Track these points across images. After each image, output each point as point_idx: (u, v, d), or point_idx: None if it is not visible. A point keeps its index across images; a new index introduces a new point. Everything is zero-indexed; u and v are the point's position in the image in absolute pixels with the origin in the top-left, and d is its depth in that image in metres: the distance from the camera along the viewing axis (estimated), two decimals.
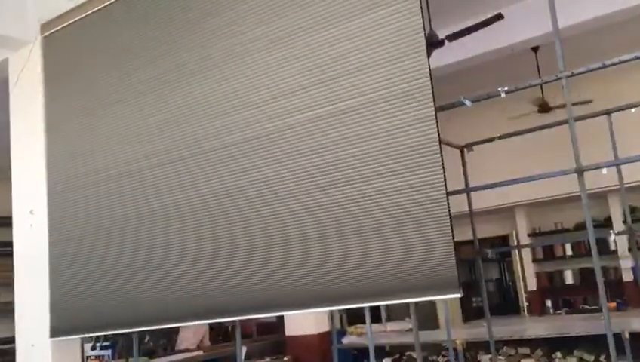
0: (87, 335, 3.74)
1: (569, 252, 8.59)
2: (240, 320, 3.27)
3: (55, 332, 3.59)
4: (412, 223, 2.40)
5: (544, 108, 6.63)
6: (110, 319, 3.41)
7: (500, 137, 3.86)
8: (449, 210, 2.32)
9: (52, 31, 3.92)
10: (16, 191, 3.97)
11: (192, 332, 5.77)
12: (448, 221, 2.32)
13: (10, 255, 3.99)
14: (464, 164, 3.90)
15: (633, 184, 6.12)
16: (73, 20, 3.81)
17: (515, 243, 8.83)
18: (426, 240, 2.36)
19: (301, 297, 2.68)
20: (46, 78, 3.88)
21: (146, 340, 5.60)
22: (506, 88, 2.81)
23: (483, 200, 5.88)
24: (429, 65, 2.45)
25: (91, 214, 3.54)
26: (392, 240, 2.44)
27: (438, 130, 2.39)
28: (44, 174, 3.78)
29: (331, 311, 5.48)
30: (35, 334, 3.66)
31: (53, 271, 3.66)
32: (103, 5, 3.66)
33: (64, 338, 3.60)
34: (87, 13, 3.76)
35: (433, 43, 3.95)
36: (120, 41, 3.56)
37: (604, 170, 2.90)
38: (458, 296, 2.32)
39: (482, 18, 4.20)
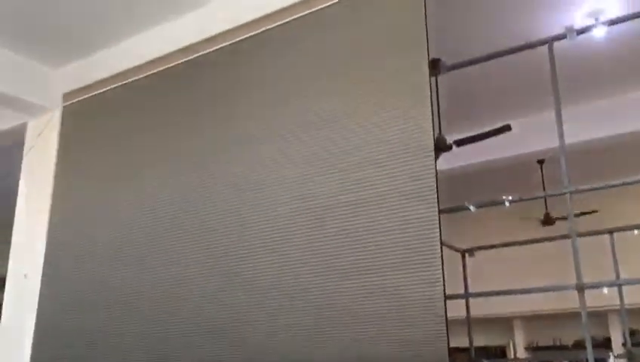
0: None
1: None
2: None
3: None
4: (406, 321, 2.36)
5: (547, 221, 6.66)
6: None
7: (501, 245, 3.87)
8: (446, 312, 2.29)
9: (73, 101, 4.04)
10: (14, 253, 3.96)
11: None
12: (444, 323, 2.28)
13: None
14: (464, 269, 3.88)
15: (634, 306, 6.04)
16: (94, 93, 3.94)
17: (512, 356, 8.61)
18: (420, 339, 2.32)
19: None
20: (60, 146, 3.97)
21: None
22: (510, 198, 2.85)
23: (480, 308, 5.79)
24: (436, 168, 2.50)
25: (86, 282, 3.50)
26: (384, 335, 2.40)
27: (440, 232, 2.40)
28: (45, 239, 3.78)
29: None
30: None
31: (37, 339, 3.58)
32: (125, 82, 3.80)
33: None
34: (108, 88, 3.89)
35: (441, 147, 4.04)
36: (137, 117, 3.67)
37: (605, 290, 2.87)
38: None
39: (491, 127, 4.31)
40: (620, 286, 3.68)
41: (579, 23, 4.01)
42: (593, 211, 5.95)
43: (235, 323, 2.85)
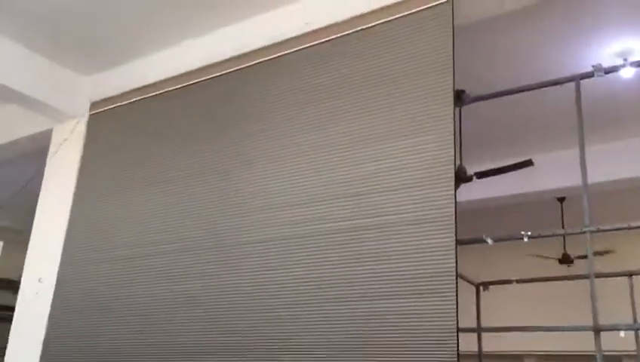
0: None
1: None
2: None
3: None
4: (417, 350, 2.34)
5: (565, 259, 6.57)
6: None
7: (517, 281, 3.82)
8: (457, 345, 2.26)
9: (100, 110, 4.10)
10: (31, 257, 4.00)
11: None
12: (455, 356, 2.25)
13: (8, 320, 3.96)
14: (478, 302, 3.83)
15: None
16: (120, 103, 4.00)
17: None
18: None
19: None
20: (84, 153, 4.02)
21: None
22: (529, 233, 2.81)
23: (492, 343, 5.71)
24: (456, 198, 2.49)
25: (100, 290, 3.53)
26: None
27: (456, 263, 2.38)
28: (61, 245, 3.81)
29: None
30: None
31: (48, 340, 3.60)
32: (152, 94, 3.85)
33: None
34: (134, 100, 3.95)
35: (462, 178, 4.02)
36: (160, 129, 3.72)
37: (622, 333, 2.81)
38: None
39: (512, 161, 4.28)
40: (637, 330, 3.61)
41: (608, 61, 3.99)
42: (609, 251, 5.86)
43: (244, 342, 2.83)
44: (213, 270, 3.09)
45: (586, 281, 2.74)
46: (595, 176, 3.10)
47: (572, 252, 6.54)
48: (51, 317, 3.66)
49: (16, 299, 3.93)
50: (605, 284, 3.58)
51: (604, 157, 4.76)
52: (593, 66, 2.95)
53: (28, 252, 4.02)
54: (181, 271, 3.21)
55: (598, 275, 3.03)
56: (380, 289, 2.51)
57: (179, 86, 3.71)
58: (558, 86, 3.09)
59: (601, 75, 2.90)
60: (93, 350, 3.39)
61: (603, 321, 2.71)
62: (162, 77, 3.82)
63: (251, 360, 2.80)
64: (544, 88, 3.13)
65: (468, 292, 3.76)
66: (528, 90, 3.13)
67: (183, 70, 3.72)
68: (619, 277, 3.93)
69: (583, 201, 2.77)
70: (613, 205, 5.21)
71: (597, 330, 2.67)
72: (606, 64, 2.95)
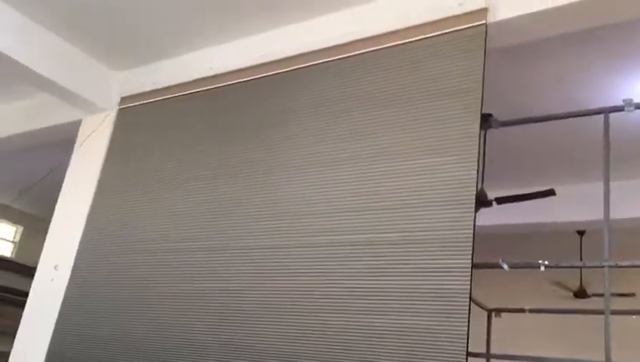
0: None
1: None
2: None
3: None
4: None
5: (580, 294, 6.48)
6: None
7: (530, 310, 3.78)
8: None
9: (129, 105, 4.17)
10: (49, 244, 4.05)
11: None
12: None
13: (20, 304, 4.01)
14: (489, 328, 3.80)
15: None
16: (151, 100, 4.06)
17: None
18: None
19: None
20: (110, 146, 4.08)
21: None
22: (546, 262, 2.79)
23: None
24: (475, 221, 2.48)
25: (114, 281, 3.57)
26: None
27: (470, 286, 2.36)
28: (80, 234, 3.86)
29: None
30: None
31: (60, 323, 3.65)
32: (182, 93, 3.90)
33: None
34: (165, 97, 4.00)
35: (482, 201, 4.00)
36: (186, 129, 3.76)
37: None
38: None
39: (534, 190, 4.25)
40: None
41: (639, 97, 3.96)
42: (630, 294, 5.76)
43: (251, 344, 2.84)
44: (227, 271, 3.11)
45: (601, 318, 2.71)
46: (618, 212, 3.07)
47: (589, 290, 6.45)
48: (64, 304, 3.70)
49: (30, 284, 3.98)
50: (620, 325, 3.52)
51: (627, 193, 4.70)
52: (624, 100, 2.93)
53: (47, 238, 4.07)
54: (196, 270, 3.24)
55: (615, 312, 2.99)
56: (392, 304, 2.51)
57: (210, 87, 3.75)
58: (587, 118, 3.07)
59: (631, 110, 2.88)
60: (103, 339, 3.42)
61: (615, 360, 2.67)
62: (192, 78, 3.87)
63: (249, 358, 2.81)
64: (573, 119, 3.12)
65: (479, 318, 3.73)
66: (556, 119, 3.12)
67: (213, 72, 3.77)
68: (635, 319, 3.87)
69: (604, 235, 2.74)
70: (634, 245, 5.13)
71: None
72: (637, 99, 2.92)
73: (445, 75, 2.83)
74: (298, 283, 2.83)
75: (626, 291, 5.83)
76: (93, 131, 4.18)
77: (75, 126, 4.35)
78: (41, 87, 4.12)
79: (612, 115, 2.91)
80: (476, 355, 3.16)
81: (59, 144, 4.56)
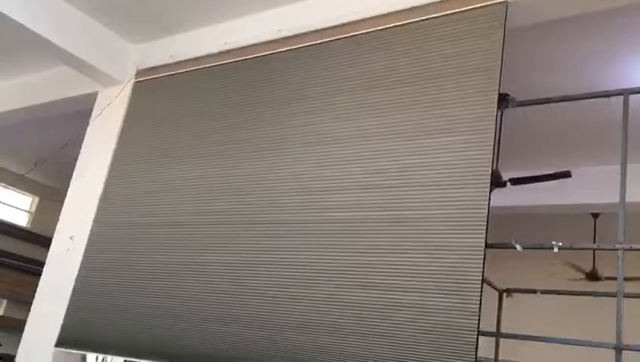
0: (91, 352, 3.69)
1: None
2: None
3: (61, 342, 3.61)
4: (437, 347, 2.34)
5: (593, 276, 6.45)
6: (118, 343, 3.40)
7: (542, 291, 3.78)
8: (477, 346, 2.26)
9: (145, 78, 4.18)
10: (65, 215, 4.10)
11: None
12: (474, 356, 2.25)
13: (37, 274, 4.08)
14: (500, 309, 3.80)
15: None
16: (167, 74, 4.06)
17: None
18: None
19: None
20: (126, 119, 4.10)
21: None
22: (560, 243, 2.78)
23: (509, 353, 5.67)
24: (489, 200, 2.47)
25: (130, 252, 3.62)
26: (411, 357, 2.38)
27: (483, 265, 2.37)
28: (96, 206, 3.90)
29: None
30: (39, 344, 3.70)
31: (76, 292, 3.71)
32: (196, 68, 3.90)
33: (66, 350, 3.61)
34: (180, 71, 4.01)
35: (496, 182, 3.98)
36: (204, 103, 3.76)
37: None
38: None
39: (549, 171, 4.22)
40: None
41: None
42: (637, 278, 5.71)
43: (262, 314, 2.87)
44: (237, 245, 3.14)
45: (613, 301, 2.70)
46: (634, 196, 3.04)
47: (602, 272, 6.41)
48: (80, 273, 3.75)
49: (46, 254, 4.04)
50: (632, 308, 3.51)
51: None
52: None
53: (63, 209, 4.12)
54: (208, 243, 3.27)
55: (627, 295, 2.98)
56: (405, 281, 2.53)
57: (224, 62, 3.75)
58: (605, 100, 3.03)
59: None
60: (118, 308, 3.48)
61: (627, 343, 2.67)
62: (208, 52, 3.87)
63: (257, 329, 2.85)
64: (591, 100, 3.08)
65: (491, 299, 3.73)
66: (574, 99, 3.09)
67: (227, 48, 3.76)
68: None
69: (619, 218, 2.73)
70: None
71: (619, 349, 2.64)
72: None
73: (464, 53, 2.80)
74: (309, 257, 2.85)
75: (635, 276, 5.80)
76: (109, 104, 4.20)
77: (92, 98, 4.37)
78: (59, 59, 4.13)
79: (632, 98, 2.88)
80: (487, 334, 3.18)
81: (76, 116, 4.58)
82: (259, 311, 2.90)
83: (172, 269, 3.35)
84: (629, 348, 2.66)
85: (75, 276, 3.76)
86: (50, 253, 4.03)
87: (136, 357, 3.29)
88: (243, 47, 3.70)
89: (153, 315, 3.30)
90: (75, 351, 3.65)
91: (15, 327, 4.75)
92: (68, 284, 3.75)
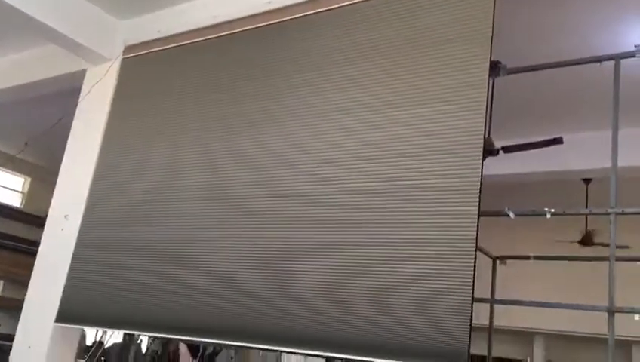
0: (91, 326, 3.79)
1: None
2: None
3: (60, 318, 3.63)
4: (433, 313, 2.37)
5: (586, 241, 6.52)
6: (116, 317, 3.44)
7: (535, 257, 3.82)
8: (472, 312, 2.29)
9: (134, 54, 4.13)
10: (58, 194, 4.08)
11: None
12: (469, 321, 2.28)
13: (32, 254, 4.08)
14: (494, 275, 3.85)
15: None
16: (155, 49, 4.02)
17: None
18: (444, 328, 2.33)
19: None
20: (115, 96, 4.06)
21: None
22: (552, 210, 2.81)
23: (503, 318, 5.74)
24: (482, 168, 2.48)
25: (124, 230, 3.62)
26: (408, 321, 2.43)
27: (477, 232, 2.39)
28: (89, 184, 3.89)
29: None
30: (39, 320, 3.72)
31: (73, 269, 3.72)
32: (185, 42, 3.86)
33: (66, 325, 3.64)
34: (169, 46, 3.96)
35: (489, 150, 3.99)
36: (192, 78, 3.73)
37: (637, 316, 2.81)
38: None
39: (541, 138, 4.22)
40: None
41: None
42: (624, 246, 5.77)
43: (266, 287, 2.89)
44: (233, 219, 3.15)
45: (605, 266, 2.74)
46: (625, 160, 3.06)
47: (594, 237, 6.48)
48: (76, 251, 3.76)
49: (40, 234, 4.04)
50: (624, 273, 3.55)
51: (636, 141, 4.67)
52: (636, 46, 2.89)
53: (55, 189, 4.10)
54: (203, 218, 3.27)
55: (619, 258, 3.01)
56: (401, 251, 2.54)
57: (214, 36, 3.71)
58: (597, 66, 3.03)
59: None
60: (114, 286, 3.50)
61: (619, 304, 2.72)
62: (196, 26, 3.82)
63: (255, 297, 2.88)
64: (582, 66, 3.08)
65: (485, 267, 3.77)
66: (565, 65, 3.09)
67: (218, 20, 3.72)
68: (636, 270, 3.90)
69: (611, 182, 2.75)
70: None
71: (611, 311, 2.68)
72: None
73: (454, 21, 2.78)
74: (306, 229, 2.86)
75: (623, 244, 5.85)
76: (97, 81, 4.15)
77: (81, 76, 4.31)
78: (46, 37, 4.08)
79: (623, 62, 2.88)
80: (481, 301, 3.22)
81: (64, 95, 4.54)
82: (255, 285, 2.92)
83: (167, 245, 3.37)
84: (621, 311, 2.70)
85: (71, 254, 3.76)
86: (44, 233, 4.02)
87: (135, 329, 3.33)
88: (231, 21, 3.65)
89: (150, 290, 3.32)
90: (74, 326, 3.69)
91: (12, 307, 4.77)
92: (64, 262, 3.75)
